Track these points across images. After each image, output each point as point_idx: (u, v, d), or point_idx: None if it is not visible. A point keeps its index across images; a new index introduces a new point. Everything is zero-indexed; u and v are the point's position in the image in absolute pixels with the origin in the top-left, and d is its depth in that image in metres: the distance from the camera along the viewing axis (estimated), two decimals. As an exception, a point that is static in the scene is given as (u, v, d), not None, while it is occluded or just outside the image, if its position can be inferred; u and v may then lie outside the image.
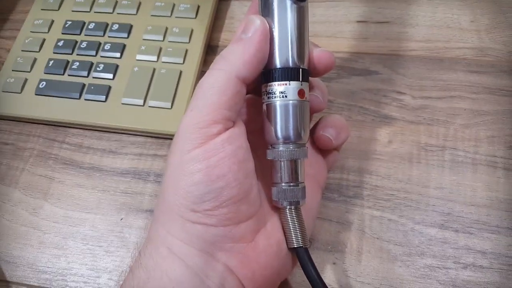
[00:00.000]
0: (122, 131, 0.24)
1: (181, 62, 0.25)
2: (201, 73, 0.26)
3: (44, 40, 0.27)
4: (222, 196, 0.15)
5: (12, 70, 0.26)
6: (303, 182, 0.17)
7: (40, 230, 0.22)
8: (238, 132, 0.16)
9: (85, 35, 0.27)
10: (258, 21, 0.16)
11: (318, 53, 0.17)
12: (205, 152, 0.15)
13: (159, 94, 0.24)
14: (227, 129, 0.15)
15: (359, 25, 0.26)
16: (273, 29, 0.16)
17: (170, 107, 0.24)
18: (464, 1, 0.26)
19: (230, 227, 0.15)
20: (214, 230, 0.15)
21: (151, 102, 0.24)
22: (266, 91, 0.16)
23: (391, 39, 0.26)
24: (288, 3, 0.16)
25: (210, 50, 0.27)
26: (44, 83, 0.25)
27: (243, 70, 0.15)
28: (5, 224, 0.22)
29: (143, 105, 0.24)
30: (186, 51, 0.25)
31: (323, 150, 0.19)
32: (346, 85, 0.24)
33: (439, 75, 0.24)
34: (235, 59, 0.15)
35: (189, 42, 0.26)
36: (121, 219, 0.22)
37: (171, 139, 0.23)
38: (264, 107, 0.16)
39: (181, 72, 0.25)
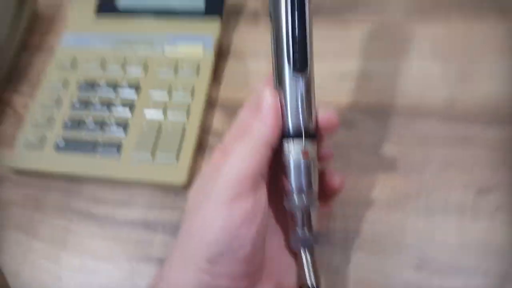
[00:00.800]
0: (133, 184, 0.27)
1: (185, 118, 0.28)
2: (203, 127, 0.29)
3: (60, 99, 0.30)
4: (238, 254, 0.17)
5: (32, 127, 0.29)
6: (316, 229, 0.20)
7: (59, 278, 0.25)
8: (264, 198, 0.18)
9: (98, 93, 0.30)
10: (272, 97, 0.18)
11: (323, 117, 0.19)
12: (236, 209, 0.17)
13: (165, 148, 0.27)
14: (255, 192, 0.18)
15: (342, 78, 0.30)
16: (285, 99, 0.19)
17: (176, 161, 0.27)
18: (438, 57, 0.30)
19: (237, 281, 0.18)
20: (223, 282, 0.17)
21: (158, 156, 0.27)
22: (282, 150, 0.19)
23: (372, 91, 0.29)
24: (292, 74, 0.18)
25: (210, 106, 0.30)
26: (63, 140, 0.28)
27: (272, 138, 0.18)
28: (26, 273, 0.25)
29: (151, 159, 0.27)
30: (189, 108, 0.29)
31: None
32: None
33: (414, 125, 0.27)
34: (262, 131, 0.18)
35: (192, 100, 0.29)
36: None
37: (177, 190, 0.27)
38: (283, 162, 0.19)
39: (184, 128, 0.28)
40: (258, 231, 0.18)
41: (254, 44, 0.32)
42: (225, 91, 0.31)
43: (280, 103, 0.19)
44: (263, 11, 0.34)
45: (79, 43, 0.32)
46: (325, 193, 0.20)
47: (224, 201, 0.17)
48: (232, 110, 0.30)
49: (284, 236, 0.20)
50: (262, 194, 0.18)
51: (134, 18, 0.33)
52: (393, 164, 0.26)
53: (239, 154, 0.18)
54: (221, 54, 0.32)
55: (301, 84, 0.19)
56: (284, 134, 0.19)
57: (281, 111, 0.19)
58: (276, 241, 0.21)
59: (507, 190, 0.25)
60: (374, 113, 0.28)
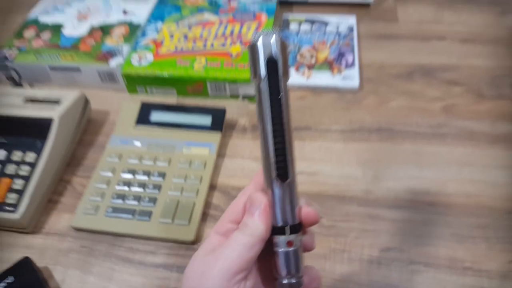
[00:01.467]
0: (158, 239, 0.41)
1: (195, 196, 0.43)
2: (206, 203, 0.44)
3: (109, 180, 0.45)
4: None
5: (89, 200, 0.43)
6: None
7: (105, 302, 0.37)
8: (253, 280, 0.24)
9: (136, 178, 0.45)
10: (262, 200, 0.23)
11: (306, 212, 0.24)
12: None
13: (181, 216, 0.42)
14: (246, 278, 0.23)
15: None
16: (272, 202, 0.23)
17: (187, 224, 0.41)
18: (360, 164, 0.47)
19: None
20: None
21: (176, 221, 0.41)
22: (271, 240, 0.24)
23: (317, 183, 0.45)
24: (276, 184, 0.23)
25: (212, 188, 0.45)
26: (111, 208, 0.42)
27: (265, 235, 0.23)
28: (82, 298, 0.37)
29: (171, 223, 0.41)
30: (198, 190, 0.44)
31: None
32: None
33: (342, 206, 0.43)
34: (256, 229, 0.23)
35: (200, 184, 0.44)
36: None
37: (187, 244, 0.40)
38: (273, 250, 0.24)
39: (194, 202, 0.43)
40: None
41: (242, 149, 0.49)
42: (222, 179, 0.46)
43: (269, 201, 0.23)
44: (249, 127, 0.51)
45: (123, 143, 0.49)
46: (304, 223, 0.24)
47: (220, 286, 0.22)
48: (226, 192, 0.45)
49: None
50: (252, 280, 0.24)
51: (162, 129, 0.50)
52: (328, 230, 0.41)
53: (238, 246, 0.23)
54: (220, 154, 0.48)
55: (284, 191, 0.23)
56: (272, 230, 0.23)
57: (271, 212, 0.23)
58: None
59: (402, 250, 0.40)
60: (316, 197, 0.44)
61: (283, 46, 0.23)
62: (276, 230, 0.24)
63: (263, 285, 0.25)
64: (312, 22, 0.65)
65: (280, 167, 0.23)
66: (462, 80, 0.56)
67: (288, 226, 0.24)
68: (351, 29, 0.63)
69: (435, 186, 0.44)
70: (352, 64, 0.57)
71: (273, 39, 0.22)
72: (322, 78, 0.55)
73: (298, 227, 0.24)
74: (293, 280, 0.24)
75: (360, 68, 0.57)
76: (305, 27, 0.64)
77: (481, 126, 0.50)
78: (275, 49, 0.22)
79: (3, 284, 0.37)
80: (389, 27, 0.65)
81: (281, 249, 0.24)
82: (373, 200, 0.43)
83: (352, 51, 0.59)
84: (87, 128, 0.52)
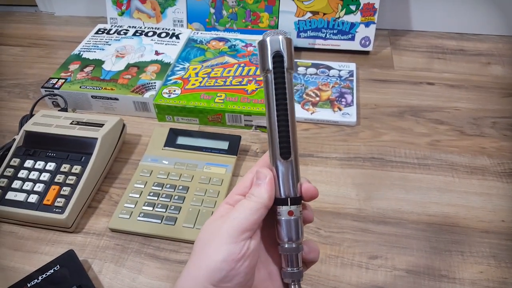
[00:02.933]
0: (181, 240, 0.49)
1: (213, 206, 0.52)
2: (222, 213, 0.52)
3: (142, 191, 0.54)
4: (234, 281, 0.26)
5: (124, 206, 0.53)
6: (301, 267, 0.29)
7: (135, 289, 0.45)
8: (257, 243, 0.27)
9: (164, 190, 0.54)
10: (268, 174, 0.28)
11: (306, 187, 0.28)
12: (235, 249, 0.25)
13: (201, 222, 0.50)
14: (251, 238, 0.26)
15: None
16: (277, 177, 0.28)
17: (206, 230, 0.50)
18: (355, 185, 0.56)
19: None
20: None
21: (197, 226, 0.50)
22: (275, 210, 0.28)
23: (315, 201, 0.54)
24: (280, 162, 0.27)
25: (227, 202, 0.54)
26: (142, 213, 0.52)
27: (268, 203, 0.27)
28: (116, 286, 0.45)
29: (193, 227, 0.50)
30: (216, 202, 0.53)
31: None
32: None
33: (338, 220, 0.52)
34: (261, 197, 0.27)
35: (217, 197, 0.53)
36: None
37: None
38: (276, 219, 0.28)
39: (212, 212, 0.52)
40: (249, 265, 0.26)
41: (254, 170, 0.59)
42: (236, 195, 0.55)
43: (274, 177, 0.28)
44: (260, 151, 0.61)
45: (154, 161, 0.58)
46: (304, 197, 0.29)
47: (227, 242, 0.26)
48: (239, 206, 0.54)
49: (275, 266, 0.30)
50: (256, 240, 0.27)
51: (187, 151, 0.60)
52: (325, 239, 0.49)
53: (244, 210, 0.27)
54: (235, 174, 0.58)
55: (287, 167, 0.28)
56: (276, 201, 0.28)
57: (274, 185, 0.28)
58: (266, 269, 0.30)
59: (387, 259, 0.48)
60: (316, 211, 0.53)
61: (288, 43, 0.27)
62: (279, 201, 0.28)
63: (267, 252, 0.30)
64: (317, 66, 0.76)
65: (284, 146, 0.27)
66: (447, 119, 0.66)
67: (289, 198, 0.28)
68: (351, 74, 0.74)
69: (418, 207, 0.53)
70: (351, 103, 0.68)
71: (280, 37, 0.27)
72: (325, 114, 0.66)
73: (298, 200, 0.28)
74: (293, 245, 0.28)
75: (357, 106, 0.68)
76: (311, 70, 0.76)
77: (461, 159, 0.59)
78: (281, 45, 0.27)
79: (51, 271, 0.46)
80: (385, 72, 0.77)
81: (283, 218, 0.28)
82: (364, 216, 0.52)
83: (351, 92, 0.70)
84: (123, 148, 0.63)
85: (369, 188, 0.56)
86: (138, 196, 0.54)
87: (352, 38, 0.81)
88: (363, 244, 0.49)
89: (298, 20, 0.81)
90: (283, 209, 0.28)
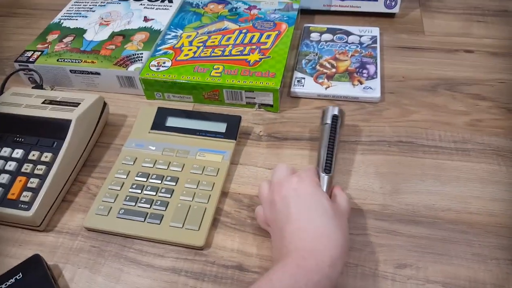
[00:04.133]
0: (168, 243, 0.42)
1: (206, 202, 0.45)
2: (217, 209, 0.45)
3: (123, 183, 0.47)
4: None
5: (102, 201, 0.46)
6: None
7: (111, 303, 0.38)
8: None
9: (149, 181, 0.47)
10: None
11: (335, 189, 0.42)
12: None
13: (191, 221, 0.43)
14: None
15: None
16: (321, 181, 0.42)
17: (198, 229, 0.43)
18: (378, 174, 0.47)
19: None
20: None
21: (187, 226, 0.43)
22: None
23: (333, 195, 0.46)
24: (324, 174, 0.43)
25: (223, 195, 0.47)
26: (123, 210, 0.45)
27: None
28: (89, 298, 0.39)
29: (182, 227, 0.43)
30: (210, 196, 0.45)
31: None
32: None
33: (358, 219, 0.44)
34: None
35: (211, 190, 0.46)
36: None
37: (197, 249, 0.42)
38: None
39: (205, 208, 0.44)
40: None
41: (256, 157, 0.51)
42: (234, 186, 0.48)
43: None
44: (264, 135, 0.53)
45: (139, 147, 0.51)
46: None
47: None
48: (238, 200, 0.46)
49: None
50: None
51: (178, 134, 0.52)
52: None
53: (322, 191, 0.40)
54: (234, 162, 0.50)
55: (328, 178, 0.42)
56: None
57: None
58: None
59: (419, 268, 0.40)
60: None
61: (342, 112, 0.49)
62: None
63: None
64: (333, 31, 0.66)
65: (327, 167, 0.43)
66: (489, 94, 0.56)
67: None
68: (374, 40, 0.64)
69: (456, 203, 0.44)
70: (374, 75, 0.58)
71: (337, 109, 0.48)
72: (342, 88, 0.57)
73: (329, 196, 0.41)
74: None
75: (382, 79, 0.59)
76: (326, 36, 0.66)
77: (508, 143, 0.50)
78: (338, 112, 0.48)
79: (12, 281, 0.39)
80: (413, 39, 0.66)
81: None
82: (390, 214, 0.44)
83: (375, 62, 0.60)
84: (105, 131, 0.55)
85: (396, 179, 0.47)
86: (118, 188, 0.47)
87: (375, -2, 0.70)
88: (388, 249, 0.41)
89: (311, -22, 0.70)
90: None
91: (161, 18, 0.66)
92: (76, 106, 0.51)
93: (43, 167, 0.46)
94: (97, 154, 0.53)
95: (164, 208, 0.45)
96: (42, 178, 0.45)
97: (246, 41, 0.61)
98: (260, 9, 0.67)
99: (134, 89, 0.60)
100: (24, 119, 0.50)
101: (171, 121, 0.53)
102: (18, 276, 0.39)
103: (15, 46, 0.72)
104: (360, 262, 0.40)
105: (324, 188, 0.41)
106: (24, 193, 0.44)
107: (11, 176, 0.46)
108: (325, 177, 0.42)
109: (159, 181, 0.47)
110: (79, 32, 0.65)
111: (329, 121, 0.47)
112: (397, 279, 0.39)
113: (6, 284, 0.39)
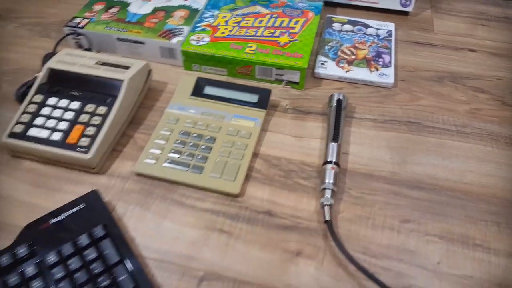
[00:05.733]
0: (208, 190, 0.48)
1: (240, 159, 0.51)
2: (249, 167, 0.51)
3: (168, 138, 0.53)
4: None
5: (150, 151, 0.51)
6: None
7: (161, 234, 0.44)
8: None
9: (191, 138, 0.53)
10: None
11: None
12: None
13: (228, 173, 0.49)
14: None
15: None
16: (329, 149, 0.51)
17: (233, 180, 0.48)
18: (389, 147, 0.54)
19: None
20: None
21: (224, 177, 0.49)
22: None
23: (347, 161, 0.52)
24: (332, 142, 0.52)
25: (255, 156, 0.53)
26: (169, 160, 0.50)
27: None
28: (140, 232, 0.45)
29: (220, 178, 0.49)
30: (243, 155, 0.51)
31: None
32: (324, 182, 0.50)
33: (370, 182, 0.50)
34: None
35: (245, 150, 0.52)
36: (204, 233, 0.44)
37: (232, 196, 0.47)
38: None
39: (240, 164, 0.50)
40: None
41: (283, 126, 0.57)
42: (264, 149, 0.54)
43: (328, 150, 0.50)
44: (290, 108, 0.59)
45: (180, 109, 0.57)
46: None
47: None
48: (267, 160, 0.52)
49: None
50: None
51: (214, 101, 0.57)
52: (356, 200, 0.48)
53: None
54: (263, 129, 0.56)
55: (336, 145, 0.49)
56: (326, 162, 0.49)
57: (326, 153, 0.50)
58: None
59: (420, 224, 0.46)
60: (347, 172, 0.51)
61: (345, 97, 0.57)
62: (327, 162, 0.49)
63: None
64: (354, 23, 0.72)
65: (335, 137, 0.51)
66: (487, 88, 0.62)
67: (333, 161, 0.49)
68: (389, 33, 0.70)
69: (454, 175, 0.51)
70: (389, 63, 0.64)
71: (342, 94, 0.57)
72: (360, 73, 0.63)
73: (337, 164, 0.49)
74: (332, 187, 0.48)
75: (395, 68, 0.65)
76: (347, 27, 0.71)
77: (501, 130, 0.56)
78: (342, 97, 0.56)
79: (76, 209, 0.45)
80: (424, 35, 0.72)
81: (327, 169, 0.49)
82: (397, 180, 0.50)
83: (389, 52, 0.66)
84: (148, 95, 0.61)
85: (404, 152, 0.53)
86: (164, 142, 0.52)
87: (392, -3, 0.76)
88: (395, 207, 0.48)
89: (337, -27, 0.76)
90: (328, 166, 0.49)
91: (199, -2, 0.71)
92: (127, 69, 0.56)
93: (99, 118, 0.51)
94: (142, 113, 0.58)
95: (204, 162, 0.50)
96: (98, 127, 0.51)
97: (276, 24, 0.66)
98: (289, -3, 0.72)
99: (173, 60, 0.65)
100: (80, 76, 0.55)
101: (209, 90, 0.58)
102: (81, 206, 0.45)
103: (59, 14, 0.77)
104: (371, 215, 0.47)
105: (334, 154, 0.50)
106: (82, 139, 0.50)
107: (70, 124, 0.51)
108: (334, 145, 0.51)
109: (199, 140, 0.53)
110: (123, 5, 0.70)
111: (335, 103, 0.56)
112: (401, 231, 0.45)
113: (71, 212, 0.44)
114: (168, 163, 0.50)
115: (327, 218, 0.44)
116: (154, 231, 0.45)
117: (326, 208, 0.45)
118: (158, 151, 0.51)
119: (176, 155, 0.51)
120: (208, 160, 0.51)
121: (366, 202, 0.48)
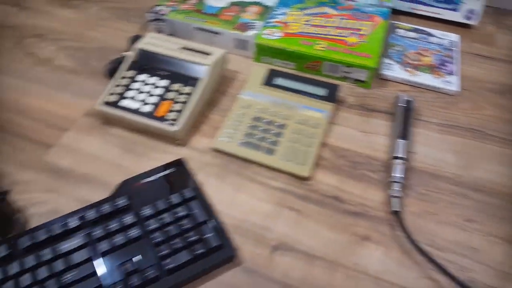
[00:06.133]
0: (279, 170, 0.51)
1: (310, 146, 0.53)
2: (317, 155, 0.54)
3: (241, 121, 0.56)
4: None
5: (225, 131, 0.55)
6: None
7: (236, 205, 0.47)
8: None
9: (262, 123, 0.56)
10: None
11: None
12: None
13: (299, 157, 0.52)
14: None
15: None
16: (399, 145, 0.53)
17: (303, 164, 0.51)
18: (453, 151, 0.55)
19: None
20: None
21: (295, 160, 0.52)
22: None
23: (414, 160, 0.54)
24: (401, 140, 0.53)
25: (322, 146, 0.55)
26: (243, 141, 0.54)
27: None
28: (224, 203, 0.48)
29: (290, 161, 0.52)
30: (311, 142, 0.54)
31: None
32: (389, 176, 0.52)
33: (435, 181, 0.51)
34: None
35: (313, 139, 0.54)
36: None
37: (302, 179, 0.50)
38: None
39: (308, 151, 0.53)
40: None
41: (349, 121, 0.59)
42: (331, 140, 0.56)
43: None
44: (356, 105, 0.61)
45: (252, 97, 0.60)
46: None
47: None
48: (334, 150, 0.55)
49: None
50: None
51: (284, 92, 0.61)
52: (422, 196, 0.50)
53: None
54: (331, 121, 0.58)
55: (403, 142, 0.50)
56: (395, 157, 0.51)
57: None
58: None
59: (484, 224, 0.47)
60: (413, 170, 0.53)
61: (412, 99, 0.59)
62: (396, 157, 0.51)
63: None
64: (417, 31, 0.74)
65: (403, 135, 0.53)
66: (554, 104, 0.63)
67: (403, 156, 0.52)
68: (452, 44, 0.71)
69: (518, 182, 0.52)
70: (453, 72, 0.66)
71: (408, 96, 0.59)
72: (425, 78, 0.64)
73: (406, 159, 0.51)
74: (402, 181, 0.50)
75: (458, 77, 0.66)
76: (411, 34, 0.73)
77: None
78: (410, 98, 0.58)
79: (165, 172, 0.49)
80: (487, 49, 0.73)
81: (398, 164, 0.51)
82: (462, 182, 0.52)
83: (453, 62, 0.68)
84: (221, 81, 0.65)
85: (468, 157, 0.55)
86: (238, 124, 0.56)
87: (456, 9, 0.77)
88: (459, 207, 0.49)
89: (404, -18, 0.78)
90: (398, 161, 0.51)
91: (271, -4, 0.75)
92: (208, 55, 0.60)
93: (185, 96, 0.56)
94: (216, 97, 0.62)
95: (275, 145, 0.53)
96: (184, 104, 0.55)
97: (344, 25, 0.69)
98: (356, 1, 0.75)
99: (244, 51, 0.69)
100: (168, 57, 0.59)
101: (279, 81, 0.62)
102: (170, 170, 0.49)
103: (139, 0, 0.82)
104: (436, 211, 0.48)
105: (404, 151, 0.52)
106: (170, 113, 0.54)
107: (158, 98, 0.56)
108: (403, 142, 0.53)
109: (270, 125, 0.56)
110: (201, -3, 0.75)
111: (403, 103, 0.58)
112: (466, 229, 0.47)
113: (161, 174, 0.49)
114: (242, 143, 0.54)
115: (396, 208, 0.46)
116: (230, 201, 0.48)
117: (395, 200, 0.47)
118: (233, 131, 0.55)
119: (249, 137, 0.54)
120: (279, 144, 0.54)
121: (431, 199, 0.50)
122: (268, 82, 0.62)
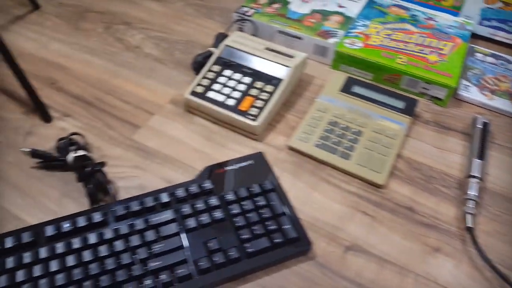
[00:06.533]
0: (354, 175, 0.53)
1: (386, 155, 0.55)
2: (393, 166, 0.55)
3: (318, 123, 0.59)
4: None
5: (302, 132, 0.57)
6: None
7: (310, 203, 0.50)
8: None
9: (339, 127, 0.58)
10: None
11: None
12: None
13: (374, 165, 0.54)
14: None
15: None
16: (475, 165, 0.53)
17: (379, 172, 0.53)
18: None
19: None
20: None
21: (370, 167, 0.53)
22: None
23: (486, 182, 0.54)
24: (478, 160, 0.53)
25: (398, 157, 0.56)
26: (319, 142, 0.56)
27: None
28: (307, 208, 0.50)
29: (366, 167, 0.53)
30: (388, 151, 0.55)
31: None
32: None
33: (509, 204, 0.51)
34: None
35: (389, 149, 0.56)
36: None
37: (377, 186, 0.52)
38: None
39: (385, 160, 0.54)
40: None
41: (425, 136, 0.60)
42: (406, 152, 0.57)
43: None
44: (432, 121, 0.62)
45: (329, 101, 0.62)
46: None
47: None
48: (410, 163, 0.56)
49: None
50: None
51: (361, 100, 0.62)
52: (494, 217, 0.50)
53: None
54: (408, 135, 0.60)
55: (480, 162, 0.51)
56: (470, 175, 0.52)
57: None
58: None
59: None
60: (486, 191, 0.53)
61: (489, 122, 0.59)
62: (472, 176, 0.53)
63: None
64: (496, 57, 0.73)
65: (480, 155, 0.54)
66: None
67: (478, 176, 0.52)
68: (534, 72, 0.70)
69: None
70: (533, 100, 0.65)
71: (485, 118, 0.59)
72: (502, 103, 0.64)
73: (480, 178, 0.52)
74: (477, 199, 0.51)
75: (539, 105, 0.65)
76: (489, 59, 0.73)
77: None
78: (487, 120, 0.59)
79: (246, 163, 0.52)
80: None
81: (472, 183, 0.52)
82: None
83: (534, 90, 0.67)
84: (299, 84, 0.67)
85: (543, 184, 0.54)
86: (314, 126, 0.58)
87: (539, 39, 0.76)
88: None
89: (486, 7, 0.78)
90: (474, 179, 0.52)
91: (351, 8, 0.77)
92: (291, 58, 0.63)
93: (267, 94, 0.59)
94: (293, 99, 0.65)
95: (351, 150, 0.55)
96: (266, 101, 0.58)
97: (425, 43, 0.70)
98: (437, 21, 0.76)
99: (323, 58, 0.71)
100: (252, 56, 0.63)
101: (357, 89, 0.64)
102: (250, 162, 0.52)
103: (223, 1, 0.87)
104: (506, 232, 0.48)
105: (480, 170, 0.52)
106: (252, 109, 0.57)
107: (242, 94, 0.59)
108: (480, 162, 0.53)
109: (346, 130, 0.58)
110: (285, 2, 0.78)
111: (480, 125, 0.59)
112: None
113: (243, 164, 0.52)
114: (318, 144, 0.56)
115: (469, 225, 0.47)
116: (305, 198, 0.51)
117: (469, 216, 0.48)
118: (309, 133, 0.57)
119: (325, 140, 0.56)
120: (355, 149, 0.55)
121: (504, 221, 0.50)
122: (346, 89, 0.64)
